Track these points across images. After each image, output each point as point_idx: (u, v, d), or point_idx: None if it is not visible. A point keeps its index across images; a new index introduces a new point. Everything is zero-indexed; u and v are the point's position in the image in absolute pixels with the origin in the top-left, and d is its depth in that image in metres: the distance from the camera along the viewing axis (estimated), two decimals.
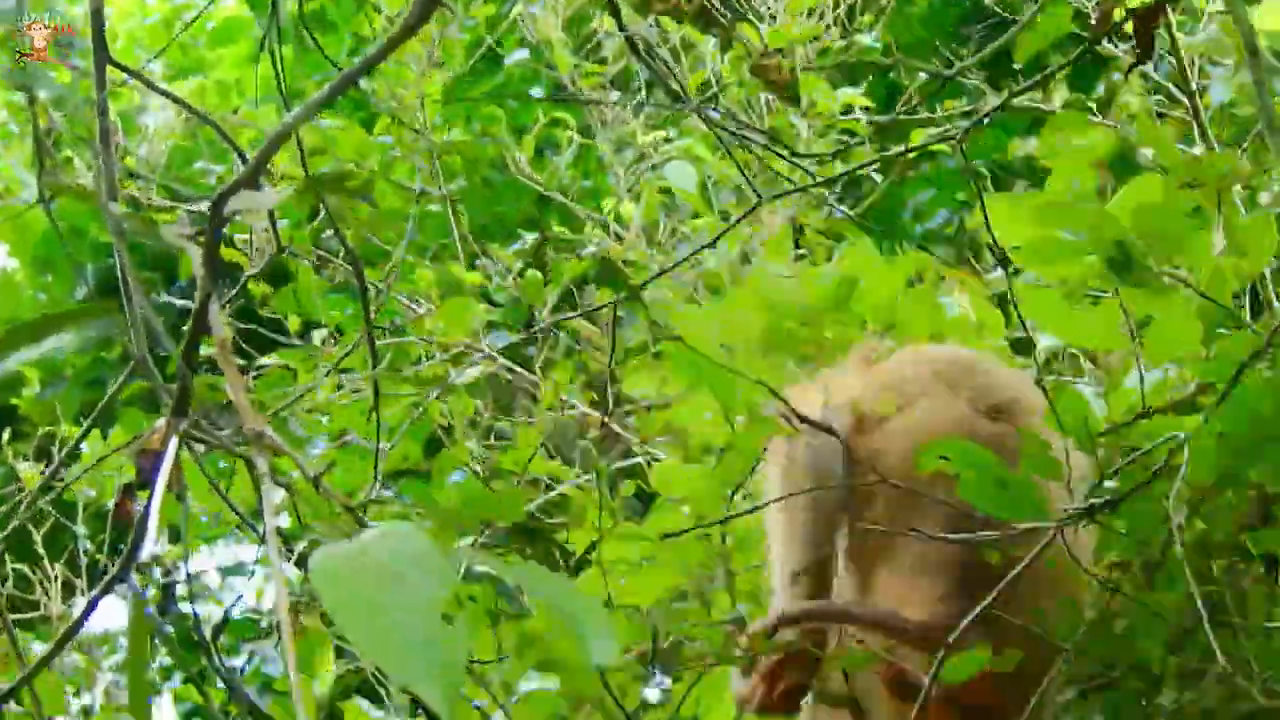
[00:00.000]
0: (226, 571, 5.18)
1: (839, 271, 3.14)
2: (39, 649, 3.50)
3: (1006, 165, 4.74)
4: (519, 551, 3.61)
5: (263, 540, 2.87)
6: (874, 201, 4.59)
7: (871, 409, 2.75)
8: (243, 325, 4.10)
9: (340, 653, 3.52)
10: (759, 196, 3.47)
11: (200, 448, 2.33)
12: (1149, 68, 3.76)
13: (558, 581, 1.50)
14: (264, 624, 4.16)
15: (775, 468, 2.83)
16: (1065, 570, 2.59)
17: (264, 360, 4.04)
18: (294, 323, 4.14)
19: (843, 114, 4.19)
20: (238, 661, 4.59)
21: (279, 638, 3.26)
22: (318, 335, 4.09)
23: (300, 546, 2.89)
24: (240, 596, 3.16)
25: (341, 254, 3.92)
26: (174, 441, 1.93)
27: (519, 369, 4.27)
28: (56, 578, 4.11)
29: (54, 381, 7.04)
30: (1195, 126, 3.70)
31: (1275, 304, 3.33)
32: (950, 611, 2.55)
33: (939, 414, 2.72)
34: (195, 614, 2.77)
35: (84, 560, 4.04)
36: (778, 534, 2.80)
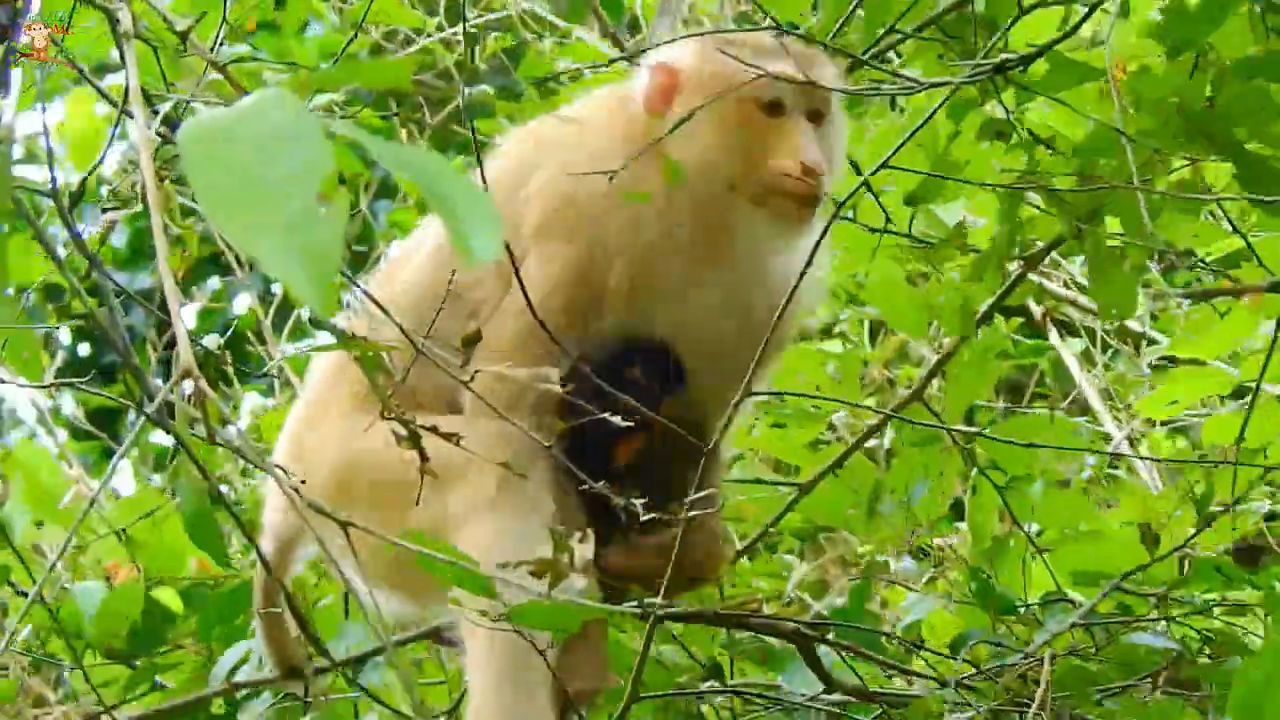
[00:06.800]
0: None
1: None
2: None
3: None
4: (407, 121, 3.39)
5: (116, 101, 2.69)
6: None
7: None
8: None
9: None
10: None
11: None
12: None
13: (435, 162, 1.37)
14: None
15: None
16: None
17: None
18: None
19: None
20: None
21: (142, 203, 3.12)
22: None
23: (162, 107, 2.71)
24: (101, 160, 2.97)
25: None
26: None
27: None
28: None
29: None
30: None
31: None
32: None
33: None
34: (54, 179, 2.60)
35: None
36: None
